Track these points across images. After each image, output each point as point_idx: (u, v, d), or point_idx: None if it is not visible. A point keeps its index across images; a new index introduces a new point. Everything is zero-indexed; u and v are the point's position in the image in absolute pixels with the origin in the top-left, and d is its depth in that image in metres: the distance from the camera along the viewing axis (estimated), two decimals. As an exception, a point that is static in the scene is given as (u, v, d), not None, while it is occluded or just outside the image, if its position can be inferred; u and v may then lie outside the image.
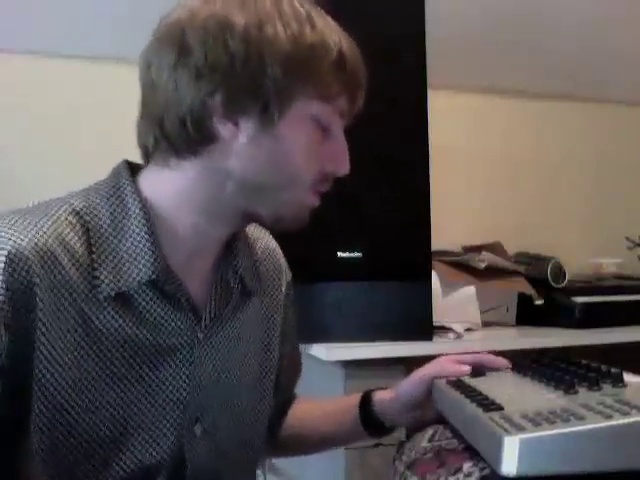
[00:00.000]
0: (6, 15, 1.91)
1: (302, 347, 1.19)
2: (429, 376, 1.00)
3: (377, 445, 1.55)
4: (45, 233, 0.80)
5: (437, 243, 1.79)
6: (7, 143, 1.94)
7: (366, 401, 1.06)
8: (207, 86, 0.81)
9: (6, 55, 1.94)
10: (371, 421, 1.05)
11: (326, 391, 1.60)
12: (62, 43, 1.95)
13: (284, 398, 1.13)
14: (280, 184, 0.85)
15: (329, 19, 0.86)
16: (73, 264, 0.81)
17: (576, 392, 0.73)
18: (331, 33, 0.84)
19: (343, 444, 1.14)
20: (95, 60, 1.99)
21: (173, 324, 0.87)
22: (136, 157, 0.91)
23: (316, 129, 0.85)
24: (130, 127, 0.89)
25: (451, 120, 2.24)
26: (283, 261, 1.08)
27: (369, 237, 1.65)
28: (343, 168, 0.89)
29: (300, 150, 0.85)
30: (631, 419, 0.62)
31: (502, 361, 0.99)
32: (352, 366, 1.55)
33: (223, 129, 0.82)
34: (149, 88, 0.85)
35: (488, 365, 0.98)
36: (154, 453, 0.87)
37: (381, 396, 1.05)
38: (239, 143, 0.83)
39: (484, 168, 2.41)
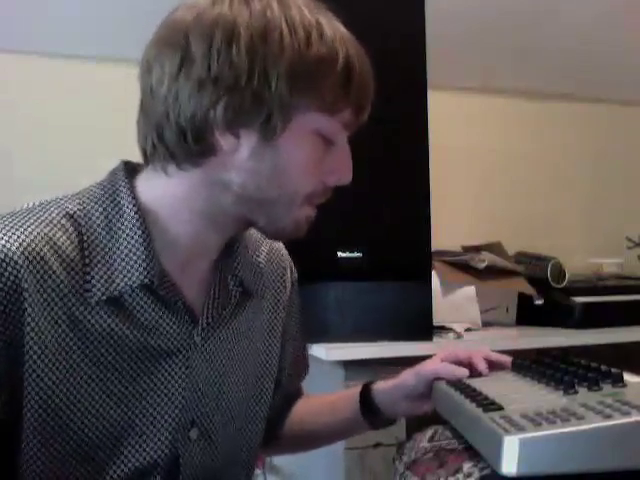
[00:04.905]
0: (6, 15, 1.90)
1: (302, 347, 1.19)
2: (430, 373, 1.00)
3: (377, 445, 1.55)
4: (36, 237, 0.79)
5: (437, 243, 1.79)
6: (6, 143, 1.94)
7: (366, 392, 1.06)
8: (209, 98, 0.78)
9: (5, 55, 1.94)
10: (371, 411, 1.05)
11: (326, 391, 1.58)
12: (62, 43, 1.95)
13: (287, 395, 1.12)
14: (278, 198, 0.83)
15: (339, 26, 0.83)
16: (64, 268, 0.80)
17: (576, 392, 0.73)
18: (340, 43, 0.81)
19: (345, 436, 1.15)
20: (95, 60, 2.00)
21: (168, 328, 0.86)
22: (137, 157, 0.90)
23: (319, 142, 0.83)
24: (131, 127, 0.89)
25: (451, 120, 2.24)
26: (288, 261, 1.06)
27: (369, 237, 1.65)
28: (346, 178, 0.87)
29: (300, 165, 0.83)
30: (631, 419, 0.62)
31: (504, 358, 0.99)
32: (352, 366, 1.55)
33: (224, 141, 0.80)
34: (149, 93, 0.82)
35: (482, 367, 0.97)
36: (148, 457, 0.86)
37: (380, 386, 1.05)
38: (240, 156, 0.81)
39: (484, 168, 2.41)
